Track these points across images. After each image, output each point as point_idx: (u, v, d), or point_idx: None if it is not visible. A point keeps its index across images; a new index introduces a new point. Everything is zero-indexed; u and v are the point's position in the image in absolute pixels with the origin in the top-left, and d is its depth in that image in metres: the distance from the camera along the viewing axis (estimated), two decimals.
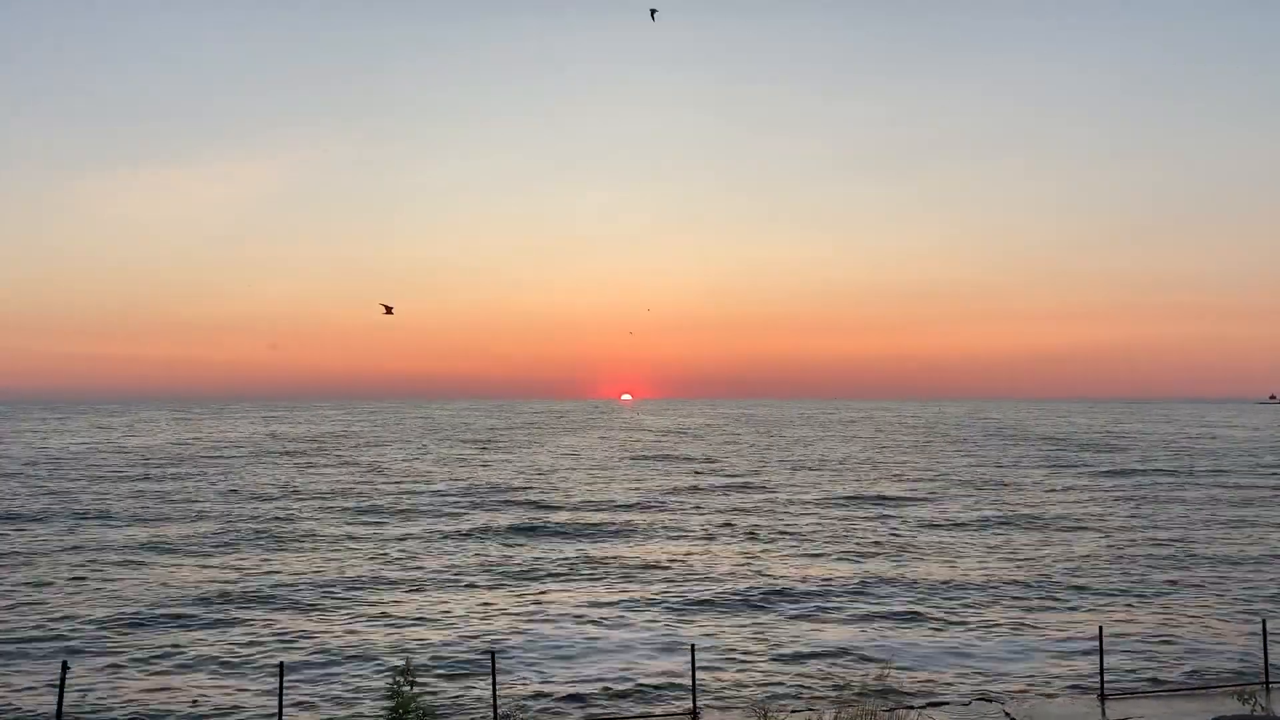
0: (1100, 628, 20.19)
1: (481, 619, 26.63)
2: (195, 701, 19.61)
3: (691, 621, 26.25)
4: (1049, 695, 19.45)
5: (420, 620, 26.49)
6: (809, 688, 20.40)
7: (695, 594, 29.74)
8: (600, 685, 20.61)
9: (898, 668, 21.37)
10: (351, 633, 25.06)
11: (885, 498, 56.07)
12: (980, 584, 31.13)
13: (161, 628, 25.42)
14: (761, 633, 25.01)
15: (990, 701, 18.83)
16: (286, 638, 24.54)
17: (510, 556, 36.58)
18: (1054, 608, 27.71)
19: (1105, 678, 19.20)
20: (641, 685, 20.61)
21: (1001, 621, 26.04)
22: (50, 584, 31.01)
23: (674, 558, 36.32)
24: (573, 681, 20.89)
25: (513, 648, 23.50)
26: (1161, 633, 24.87)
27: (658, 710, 18.86)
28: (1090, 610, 27.24)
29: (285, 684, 16.68)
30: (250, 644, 23.90)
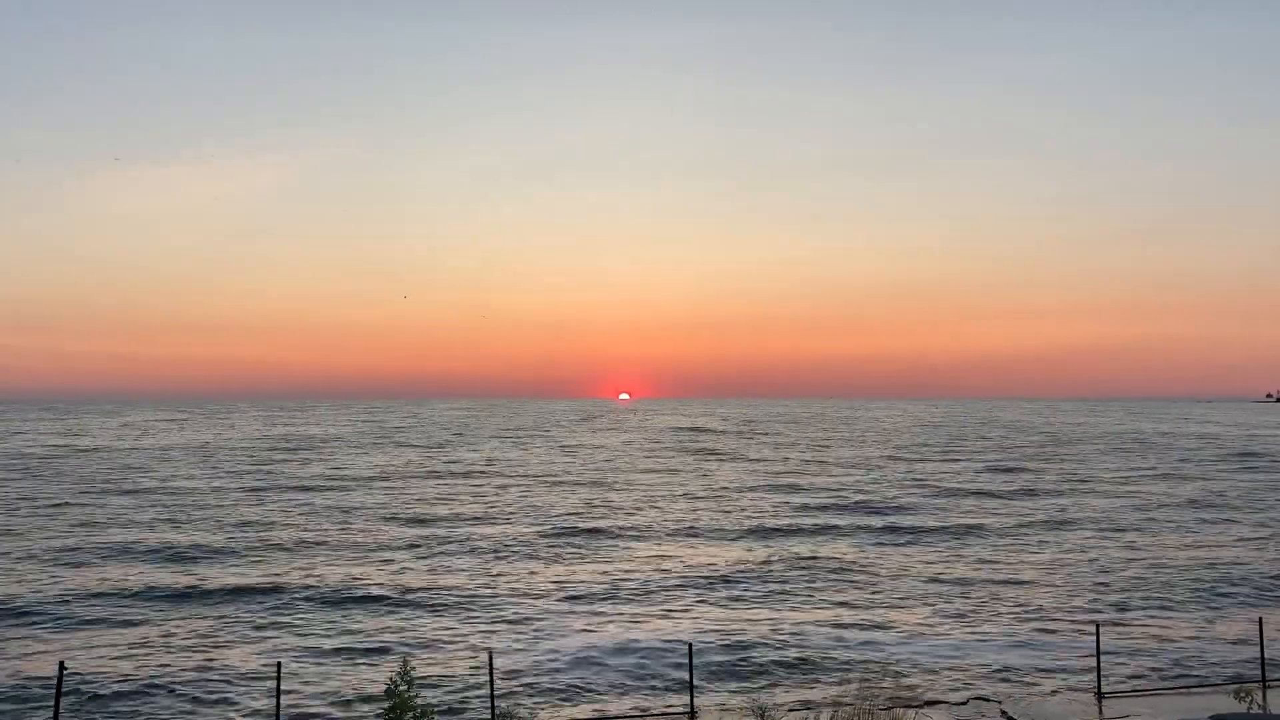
0: (1097, 625, 20.23)
1: (479, 618, 26.62)
2: (193, 700, 19.60)
3: (689, 620, 26.26)
4: (1046, 694, 19.47)
5: (418, 620, 26.48)
6: (806, 687, 20.41)
7: (694, 593, 29.75)
8: (597, 684, 20.62)
9: (895, 667, 21.39)
10: (350, 632, 25.06)
11: (883, 496, 56.15)
12: (977, 583, 31.16)
13: (161, 627, 25.39)
14: (759, 632, 25.01)
15: (988, 701, 18.85)
16: (285, 637, 24.52)
17: (507, 555, 36.57)
18: (1051, 606, 27.74)
19: (1102, 676, 19.22)
20: (639, 684, 20.61)
21: (999, 620, 26.07)
22: (48, 583, 30.96)
23: (672, 556, 36.34)
24: (570, 680, 20.89)
25: (511, 647, 23.51)
26: (1158, 631, 24.91)
27: (655, 709, 18.87)
28: (1087, 609, 27.27)
29: (283, 682, 16.67)
30: (249, 643, 23.88)
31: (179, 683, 20.78)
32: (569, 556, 36.59)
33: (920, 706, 18.36)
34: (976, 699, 19.06)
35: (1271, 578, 31.86)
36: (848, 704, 17.60)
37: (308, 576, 32.15)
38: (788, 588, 30.57)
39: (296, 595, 29.43)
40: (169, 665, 22.08)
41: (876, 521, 45.83)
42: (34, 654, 22.94)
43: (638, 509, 50.82)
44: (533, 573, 33.23)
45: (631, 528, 43.68)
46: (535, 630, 25.31)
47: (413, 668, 12.33)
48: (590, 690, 20.28)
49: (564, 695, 19.98)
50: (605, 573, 33.14)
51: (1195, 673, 21.15)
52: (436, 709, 17.13)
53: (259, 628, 25.49)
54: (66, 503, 52.55)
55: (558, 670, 21.72)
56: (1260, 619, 19.93)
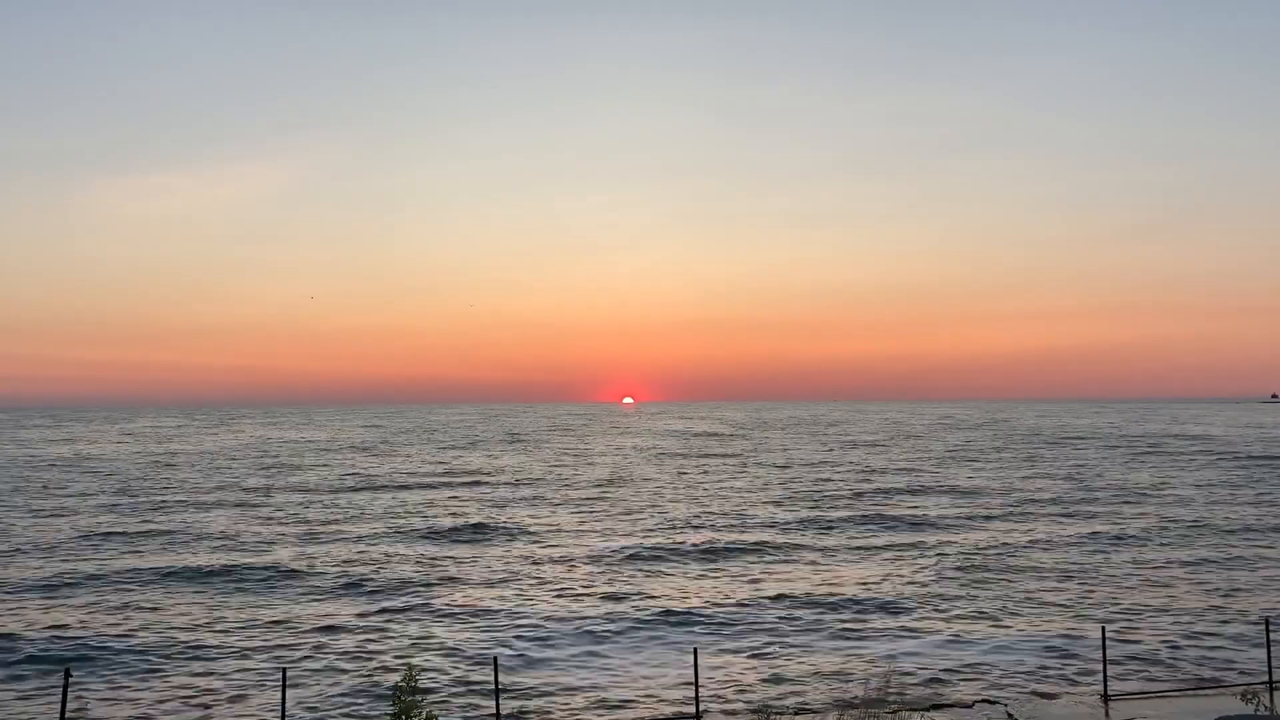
0: (1103, 628, 20.22)
1: (484, 621, 26.63)
2: (199, 706, 19.63)
3: (695, 624, 26.25)
4: (1052, 696, 19.44)
5: (423, 624, 26.49)
6: (812, 690, 20.38)
7: (698, 595, 29.74)
8: (601, 687, 20.61)
9: (900, 670, 21.36)
10: (355, 635, 25.08)
11: (889, 493, 56.09)
12: (982, 585, 31.10)
13: (164, 631, 25.42)
14: (764, 635, 25.00)
15: (993, 703, 18.82)
16: (290, 641, 24.54)
17: (510, 558, 36.62)
18: (1056, 608, 27.69)
19: (1108, 678, 19.20)
20: (644, 688, 20.60)
21: (1004, 622, 26.02)
22: (51, 588, 31.03)
23: (674, 559, 36.34)
24: (575, 684, 20.89)
25: (514, 650, 23.52)
26: (1164, 633, 24.84)
27: (661, 713, 18.86)
28: (1093, 610, 27.22)
29: (288, 687, 16.70)
30: (254, 648, 23.90)
31: (183, 685, 20.85)
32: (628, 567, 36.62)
33: (926, 709, 18.35)
34: (982, 701, 19.03)
35: (1278, 578, 31.76)
36: (853, 706, 17.60)
37: (349, 575, 32.24)
38: (794, 586, 30.53)
39: (324, 593, 29.51)
40: (173, 667, 22.14)
41: (884, 522, 45.78)
42: (39, 658, 23.01)
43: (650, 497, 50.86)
44: (549, 578, 33.26)
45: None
46: (541, 632, 25.30)
47: (419, 672, 12.36)
48: (595, 691, 20.28)
49: (568, 696, 19.99)
50: (614, 572, 33.19)
51: (1202, 675, 21.10)
52: (440, 711, 17.16)
53: (265, 630, 25.51)
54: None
55: (563, 672, 21.73)
56: (1267, 620, 19.87)
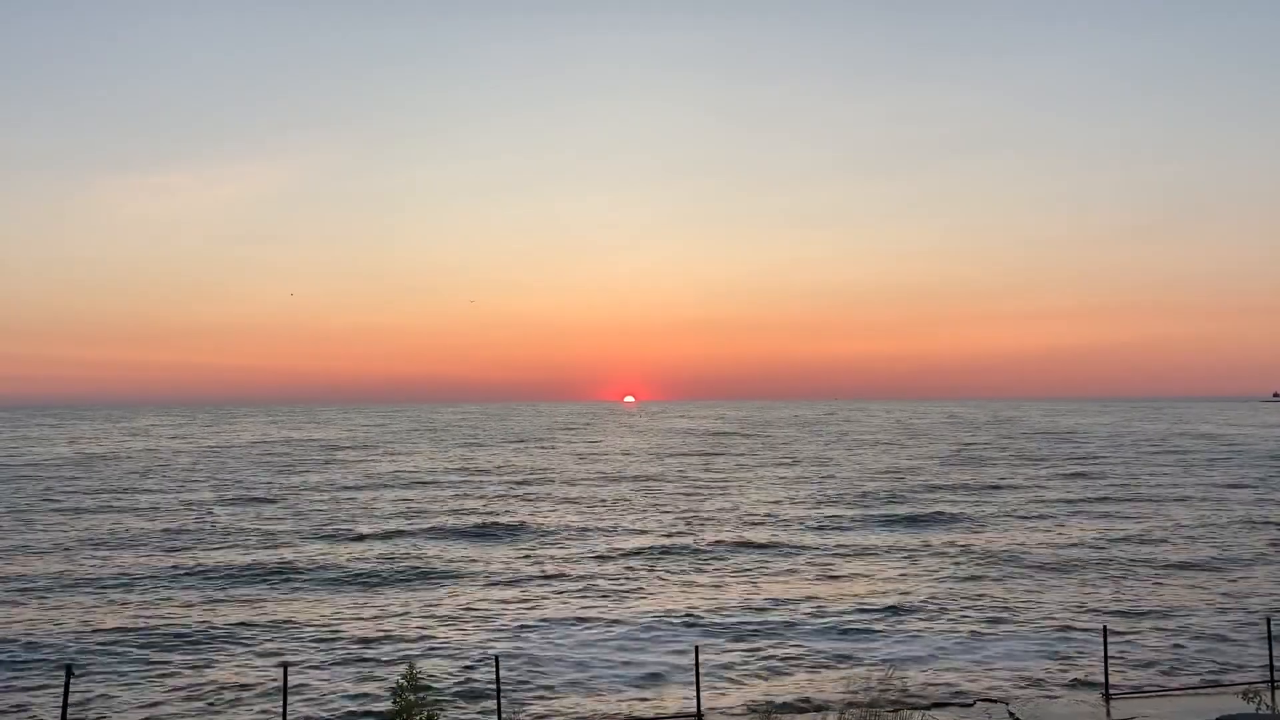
0: (1105, 627, 20.21)
1: (486, 620, 26.66)
2: (200, 704, 19.65)
3: (696, 624, 26.26)
4: (1053, 695, 19.44)
5: (425, 623, 26.52)
6: (813, 689, 20.39)
7: (699, 595, 29.76)
8: (604, 687, 20.63)
9: (902, 669, 21.36)
10: (357, 634, 25.10)
11: (893, 493, 56.08)
12: (984, 584, 31.10)
13: (165, 630, 25.45)
14: (766, 635, 25.01)
15: (995, 702, 18.82)
16: (292, 639, 24.57)
17: (513, 557, 36.65)
18: (1058, 607, 27.68)
19: (1110, 677, 19.19)
20: (645, 687, 20.61)
21: (1005, 621, 26.02)
22: (52, 587, 31.08)
23: (677, 558, 36.35)
24: (576, 684, 20.91)
25: (517, 650, 23.53)
26: (1166, 632, 24.84)
27: (662, 712, 18.87)
28: (1094, 609, 27.21)
29: (290, 685, 16.73)
30: (255, 645, 23.93)
31: (184, 683, 20.87)
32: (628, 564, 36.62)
33: (927, 708, 18.35)
34: (984, 700, 19.04)
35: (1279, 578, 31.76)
36: (855, 705, 17.60)
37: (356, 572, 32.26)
38: (797, 585, 30.54)
39: (326, 592, 29.54)
40: (175, 666, 22.16)
41: (887, 522, 45.78)
42: (40, 658, 23.04)
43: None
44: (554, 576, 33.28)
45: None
46: (543, 631, 25.34)
47: (420, 671, 12.37)
48: (596, 690, 20.29)
49: (569, 695, 20.01)
50: (616, 572, 33.21)
51: (1203, 674, 21.09)
52: (441, 710, 17.16)
53: (267, 628, 25.53)
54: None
55: (564, 671, 21.75)
56: (1268, 619, 19.86)
